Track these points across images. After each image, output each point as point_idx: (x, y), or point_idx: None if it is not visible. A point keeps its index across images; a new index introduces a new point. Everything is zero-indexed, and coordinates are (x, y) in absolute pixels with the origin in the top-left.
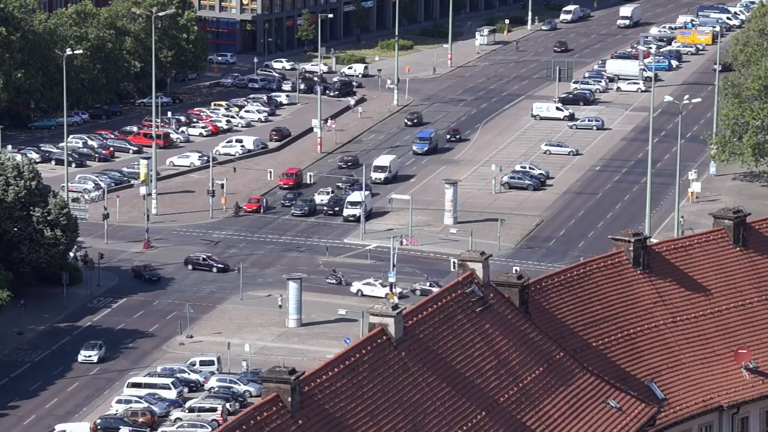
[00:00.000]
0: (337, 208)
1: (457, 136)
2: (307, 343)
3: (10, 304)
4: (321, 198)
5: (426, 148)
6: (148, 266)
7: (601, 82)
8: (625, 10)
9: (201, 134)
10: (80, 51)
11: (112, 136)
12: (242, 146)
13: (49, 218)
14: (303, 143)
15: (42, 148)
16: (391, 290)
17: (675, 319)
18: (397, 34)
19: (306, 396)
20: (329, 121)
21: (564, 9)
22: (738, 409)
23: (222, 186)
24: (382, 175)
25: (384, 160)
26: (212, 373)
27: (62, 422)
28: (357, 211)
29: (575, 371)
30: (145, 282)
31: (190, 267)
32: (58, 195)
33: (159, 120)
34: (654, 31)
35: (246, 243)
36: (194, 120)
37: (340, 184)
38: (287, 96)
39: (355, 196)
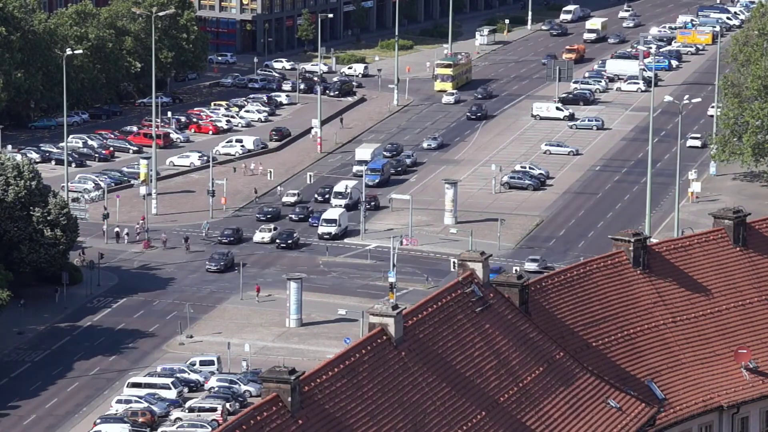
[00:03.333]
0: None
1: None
2: (307, 343)
3: (10, 304)
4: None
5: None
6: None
7: (601, 82)
8: (362, 152)
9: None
10: (80, 51)
11: (112, 136)
12: (242, 146)
13: (49, 218)
14: (303, 143)
15: (42, 148)
16: (391, 290)
17: (675, 319)
18: (396, 34)
19: (306, 396)
20: (253, 165)
21: (564, 9)
22: (738, 409)
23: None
24: (333, 229)
25: (334, 213)
26: (212, 373)
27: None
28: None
29: (575, 371)
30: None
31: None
32: (58, 195)
33: (159, 120)
34: (654, 31)
35: (246, 243)
36: (193, 120)
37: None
38: (287, 96)
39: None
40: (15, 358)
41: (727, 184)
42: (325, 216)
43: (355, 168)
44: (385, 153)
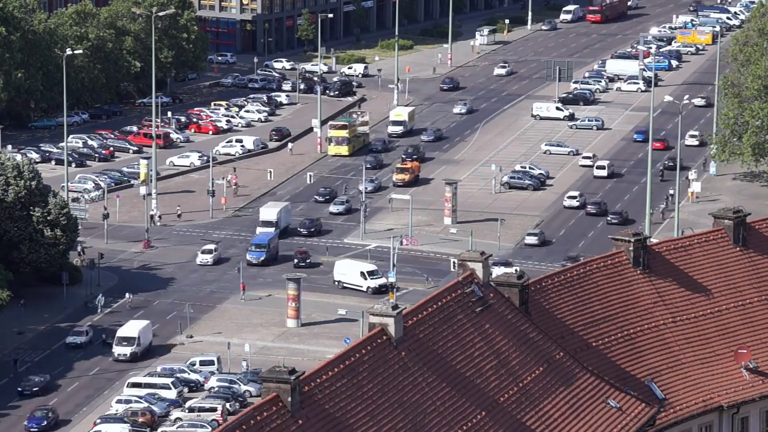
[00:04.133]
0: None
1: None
2: (307, 343)
3: (10, 304)
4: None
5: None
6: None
7: (601, 82)
8: (267, 213)
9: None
10: (80, 51)
11: (112, 136)
12: (242, 146)
13: (49, 218)
14: (303, 143)
15: (42, 148)
16: (390, 290)
17: (675, 319)
18: (396, 34)
19: (306, 396)
20: (230, 175)
21: (564, 9)
22: (738, 409)
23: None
24: (129, 350)
25: (132, 328)
26: (212, 373)
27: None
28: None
29: (575, 371)
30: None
31: None
32: (58, 195)
33: (159, 120)
34: (654, 31)
35: (246, 243)
36: (193, 120)
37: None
38: (287, 96)
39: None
40: (15, 358)
41: (727, 184)
42: (121, 333)
43: (259, 230)
44: (316, 197)
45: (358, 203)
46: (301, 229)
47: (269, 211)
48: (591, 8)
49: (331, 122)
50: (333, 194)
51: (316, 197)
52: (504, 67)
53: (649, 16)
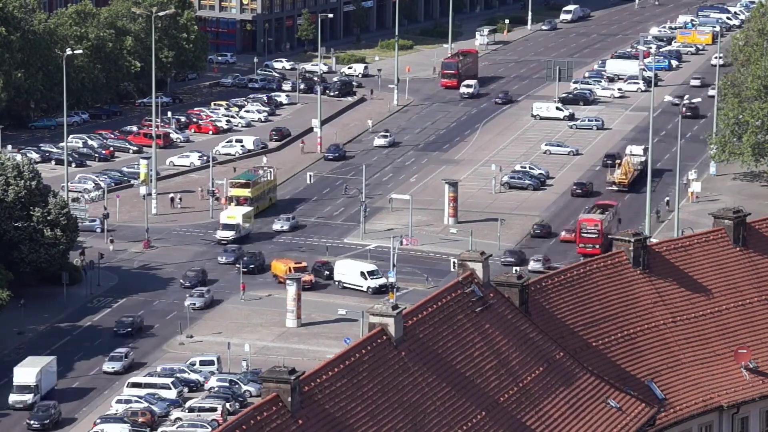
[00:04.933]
0: None
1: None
2: (307, 343)
3: (10, 304)
4: None
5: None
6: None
7: (601, 82)
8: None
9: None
10: (80, 51)
11: (112, 136)
12: (242, 146)
13: (49, 218)
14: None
15: (42, 148)
16: (390, 290)
17: (675, 319)
18: (396, 34)
19: (306, 396)
20: (214, 188)
21: (564, 9)
22: (738, 409)
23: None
24: (27, 397)
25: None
26: (212, 373)
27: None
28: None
29: (575, 371)
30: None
31: None
32: (58, 195)
33: (159, 120)
34: (654, 31)
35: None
36: (193, 120)
37: None
38: (287, 96)
39: (24, 370)
40: (15, 358)
41: (727, 184)
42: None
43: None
44: (182, 281)
45: (358, 203)
46: (185, 282)
47: (26, 372)
48: (446, 72)
49: (230, 179)
50: (202, 279)
51: (182, 281)
52: (385, 137)
53: (650, 15)
